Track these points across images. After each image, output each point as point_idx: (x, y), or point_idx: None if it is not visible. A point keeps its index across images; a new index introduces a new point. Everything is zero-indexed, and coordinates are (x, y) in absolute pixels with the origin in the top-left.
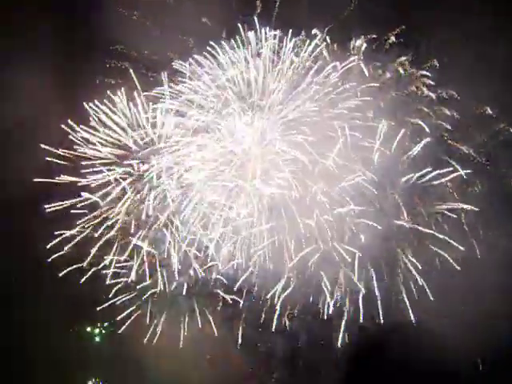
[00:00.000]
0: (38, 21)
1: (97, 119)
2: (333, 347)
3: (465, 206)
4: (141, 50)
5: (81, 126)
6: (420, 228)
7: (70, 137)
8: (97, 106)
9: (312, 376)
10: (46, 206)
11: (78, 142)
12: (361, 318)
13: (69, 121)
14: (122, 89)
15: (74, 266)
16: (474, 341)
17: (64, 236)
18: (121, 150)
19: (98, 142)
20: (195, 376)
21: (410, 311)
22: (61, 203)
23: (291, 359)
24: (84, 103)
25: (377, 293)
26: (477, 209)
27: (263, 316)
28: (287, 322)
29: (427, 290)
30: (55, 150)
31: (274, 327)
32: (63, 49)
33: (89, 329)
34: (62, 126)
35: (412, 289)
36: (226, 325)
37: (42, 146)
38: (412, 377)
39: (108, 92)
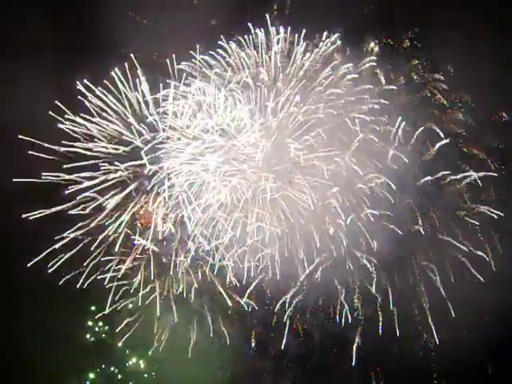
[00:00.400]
0: (43, 22)
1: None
2: (346, 354)
3: (483, 209)
4: (150, 53)
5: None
6: (440, 235)
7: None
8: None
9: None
10: (24, 216)
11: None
12: (380, 330)
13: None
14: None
15: (78, 271)
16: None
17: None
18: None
19: (106, 139)
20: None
21: (430, 319)
22: (44, 210)
23: (303, 363)
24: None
25: (391, 303)
26: (501, 213)
27: (275, 319)
28: (299, 327)
29: (448, 302)
30: (61, 148)
31: (286, 332)
32: (68, 51)
33: (90, 323)
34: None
35: (427, 296)
36: (238, 328)
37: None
38: None
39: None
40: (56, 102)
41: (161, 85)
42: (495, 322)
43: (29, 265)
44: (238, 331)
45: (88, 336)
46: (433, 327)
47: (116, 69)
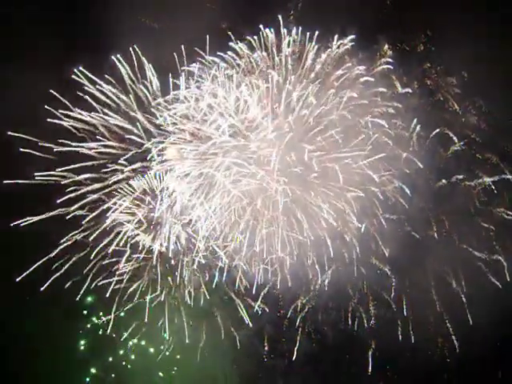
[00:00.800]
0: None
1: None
2: (357, 357)
3: (498, 212)
4: (160, 55)
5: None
6: (454, 240)
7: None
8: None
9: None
10: (13, 224)
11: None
12: (392, 334)
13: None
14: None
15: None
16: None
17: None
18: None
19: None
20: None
21: (448, 324)
22: (32, 218)
23: (315, 364)
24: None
25: (405, 308)
26: None
27: (286, 322)
28: (312, 330)
29: (467, 308)
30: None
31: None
32: (74, 53)
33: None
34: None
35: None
36: (249, 330)
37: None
38: None
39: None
40: (60, 98)
41: (171, 85)
42: (505, 325)
43: (18, 278)
44: (248, 332)
45: (85, 342)
46: (451, 331)
47: (118, 55)
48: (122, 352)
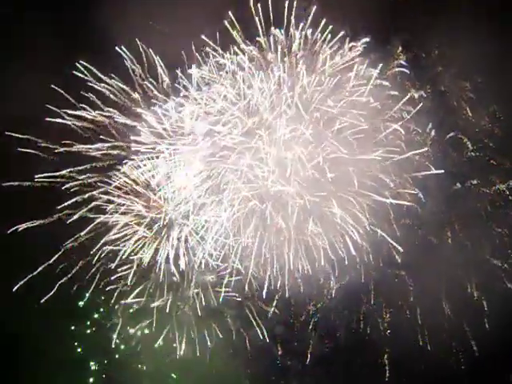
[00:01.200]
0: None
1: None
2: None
3: None
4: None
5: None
6: (466, 245)
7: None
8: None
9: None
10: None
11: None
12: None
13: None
14: None
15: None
16: None
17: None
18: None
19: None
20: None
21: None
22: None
23: (327, 366)
24: None
25: (418, 314)
26: None
27: (298, 326)
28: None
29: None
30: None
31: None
32: (74, 53)
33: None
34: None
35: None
36: (260, 331)
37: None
38: None
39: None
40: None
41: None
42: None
43: (15, 287)
44: (259, 334)
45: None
46: (469, 336)
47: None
48: (125, 351)
